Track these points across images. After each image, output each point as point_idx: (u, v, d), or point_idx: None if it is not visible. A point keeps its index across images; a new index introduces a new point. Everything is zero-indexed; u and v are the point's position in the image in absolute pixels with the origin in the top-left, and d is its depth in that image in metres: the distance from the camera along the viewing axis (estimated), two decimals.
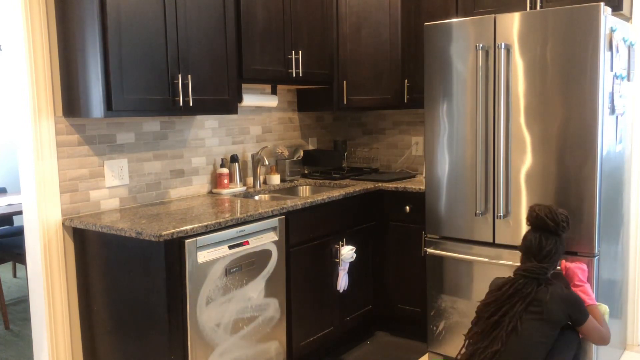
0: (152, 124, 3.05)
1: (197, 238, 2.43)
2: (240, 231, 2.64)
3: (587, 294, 2.49)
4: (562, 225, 2.39)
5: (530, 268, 2.35)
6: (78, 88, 2.55)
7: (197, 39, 2.82)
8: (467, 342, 2.42)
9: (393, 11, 3.76)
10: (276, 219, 2.85)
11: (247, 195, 3.39)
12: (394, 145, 4.23)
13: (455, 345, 3.11)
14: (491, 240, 2.97)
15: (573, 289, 2.52)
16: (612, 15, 2.75)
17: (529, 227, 2.49)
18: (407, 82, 3.75)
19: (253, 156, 3.60)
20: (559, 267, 2.67)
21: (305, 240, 3.07)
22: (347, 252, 3.25)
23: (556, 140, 2.73)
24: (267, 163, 3.50)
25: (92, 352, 2.70)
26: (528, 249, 2.40)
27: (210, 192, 3.38)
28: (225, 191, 3.35)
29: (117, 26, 2.46)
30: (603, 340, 2.40)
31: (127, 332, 2.52)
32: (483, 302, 2.41)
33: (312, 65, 3.59)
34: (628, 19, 3.18)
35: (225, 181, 3.36)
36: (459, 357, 2.47)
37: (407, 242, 3.51)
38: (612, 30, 2.68)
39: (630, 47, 2.99)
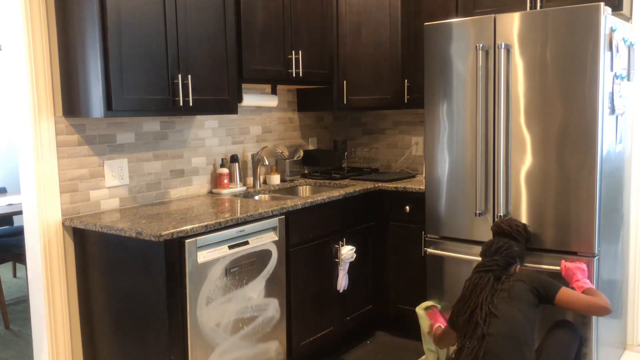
0: (152, 124, 3.05)
1: (197, 238, 2.43)
2: (240, 231, 2.64)
3: (586, 283, 2.53)
4: (515, 229, 2.58)
5: (481, 263, 2.52)
6: (78, 88, 2.55)
7: (197, 39, 2.82)
8: (455, 344, 2.48)
9: (393, 11, 3.76)
10: (276, 219, 2.85)
11: (247, 195, 3.39)
12: (394, 145, 4.23)
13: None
14: None
15: (572, 286, 2.53)
16: (612, 15, 2.75)
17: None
18: (407, 82, 3.75)
19: (253, 156, 3.60)
20: (558, 268, 2.68)
21: (305, 240, 3.07)
22: (347, 252, 3.25)
23: (556, 140, 2.73)
24: (267, 163, 3.50)
25: (92, 352, 2.70)
26: (482, 250, 2.58)
27: (210, 192, 3.38)
28: (225, 191, 3.35)
29: (117, 26, 2.46)
30: (592, 307, 2.36)
31: (127, 332, 2.52)
32: (453, 309, 2.52)
33: (312, 65, 3.59)
34: (628, 19, 3.17)
35: (225, 181, 3.36)
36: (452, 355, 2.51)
37: (407, 242, 3.51)
38: (612, 30, 2.68)
39: (630, 47, 2.99)
